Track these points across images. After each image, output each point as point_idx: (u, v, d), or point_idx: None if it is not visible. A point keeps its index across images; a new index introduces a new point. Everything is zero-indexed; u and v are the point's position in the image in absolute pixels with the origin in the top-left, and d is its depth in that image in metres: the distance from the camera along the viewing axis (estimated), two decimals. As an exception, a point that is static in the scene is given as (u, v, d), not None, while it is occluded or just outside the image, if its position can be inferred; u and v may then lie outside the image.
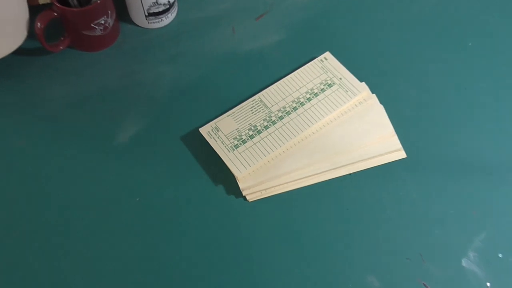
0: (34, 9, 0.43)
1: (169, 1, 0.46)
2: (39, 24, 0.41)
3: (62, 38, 0.44)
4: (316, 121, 0.40)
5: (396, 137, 0.40)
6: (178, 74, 0.45)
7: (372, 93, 0.42)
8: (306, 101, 0.41)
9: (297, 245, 0.36)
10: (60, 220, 0.37)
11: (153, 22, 0.47)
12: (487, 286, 0.34)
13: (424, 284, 0.34)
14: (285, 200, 0.38)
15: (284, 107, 0.41)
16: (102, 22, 0.43)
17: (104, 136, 0.41)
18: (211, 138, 0.40)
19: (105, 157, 0.40)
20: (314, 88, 0.42)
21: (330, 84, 0.42)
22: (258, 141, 0.39)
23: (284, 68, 0.44)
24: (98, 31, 0.43)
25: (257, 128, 0.40)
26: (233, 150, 0.39)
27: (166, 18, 0.47)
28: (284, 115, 0.41)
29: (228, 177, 0.39)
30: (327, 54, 0.45)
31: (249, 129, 0.40)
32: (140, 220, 0.37)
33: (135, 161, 0.40)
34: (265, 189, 0.38)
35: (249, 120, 0.40)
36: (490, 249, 0.36)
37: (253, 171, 0.38)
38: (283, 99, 0.42)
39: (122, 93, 0.43)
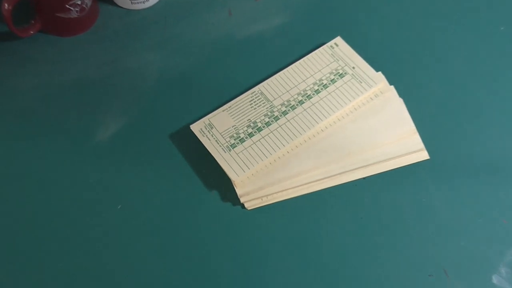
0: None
1: (156, -22, 0.46)
2: (6, 5, 0.40)
3: (32, 21, 0.44)
4: (326, 117, 0.40)
5: (417, 135, 0.40)
6: (166, 62, 0.44)
7: (390, 84, 0.42)
8: (313, 94, 0.41)
9: (304, 259, 0.36)
10: (28, 230, 0.37)
11: (137, 3, 0.46)
12: (523, 308, 0.35)
13: (450, 306, 0.34)
14: (289, 208, 0.38)
15: (288, 101, 0.41)
16: (79, 2, 0.42)
17: (81, 134, 0.41)
18: (204, 136, 0.39)
19: (82, 158, 0.39)
20: (323, 78, 0.42)
21: (341, 74, 0.42)
22: (258, 140, 0.39)
23: (288, 56, 0.44)
24: (73, 13, 0.43)
25: (257, 125, 0.40)
26: (230, 150, 0.38)
27: (152, -2, 0.47)
28: (289, 110, 0.40)
29: (223, 182, 0.38)
30: (338, 40, 0.44)
31: (247, 126, 0.39)
32: (122, 231, 0.37)
33: (117, 162, 0.39)
34: (266, 196, 0.38)
35: (247, 116, 0.40)
36: (526, 265, 0.36)
37: (252, 174, 0.38)
38: (287, 91, 0.41)
39: (101, 84, 0.43)
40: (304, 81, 0.42)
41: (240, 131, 0.39)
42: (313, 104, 0.40)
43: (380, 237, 0.36)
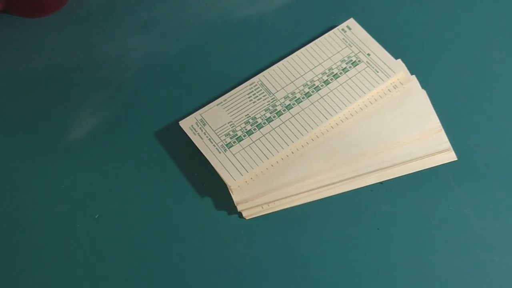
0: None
1: (139, -49, 0.46)
2: (-37, -20, 0.40)
3: (-5, 0, 0.44)
4: (336, 112, 0.39)
5: (443, 132, 0.39)
6: (151, 48, 0.44)
7: (412, 74, 0.42)
8: (322, 85, 0.41)
9: (310, 278, 0.35)
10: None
11: (118, -21, 0.46)
12: None
13: (481, 332, 0.34)
14: (294, 218, 0.37)
15: (293, 93, 0.40)
16: (49, -23, 0.43)
17: (52, 131, 0.40)
18: (195, 134, 0.39)
19: (53, 159, 0.39)
20: (334, 67, 0.41)
21: (354, 62, 0.41)
22: (258, 139, 0.39)
23: (293, 41, 0.44)
24: (43, -10, 0.43)
25: (257, 121, 0.39)
26: (225, 150, 0.38)
27: (135, -26, 0.47)
28: (293, 104, 0.40)
29: (218, 187, 0.38)
30: (351, 22, 0.44)
31: (246, 123, 0.39)
32: (100, 244, 0.36)
33: (94, 165, 0.39)
34: (268, 203, 0.37)
35: (246, 111, 0.40)
36: None
37: (251, 178, 0.38)
38: (292, 82, 0.41)
39: (75, 73, 0.43)
40: (311, 70, 0.41)
41: (237, 129, 0.39)
42: (321, 97, 0.40)
43: (399, 252, 0.36)
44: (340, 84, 0.40)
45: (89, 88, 0.42)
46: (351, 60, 0.41)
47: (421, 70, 0.42)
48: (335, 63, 0.41)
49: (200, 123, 0.39)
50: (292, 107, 0.40)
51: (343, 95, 0.40)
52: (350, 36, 0.43)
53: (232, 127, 0.39)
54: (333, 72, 0.41)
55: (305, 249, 0.36)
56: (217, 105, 0.40)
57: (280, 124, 0.39)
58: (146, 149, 0.40)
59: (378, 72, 0.41)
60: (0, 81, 0.42)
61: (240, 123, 0.39)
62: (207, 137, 0.39)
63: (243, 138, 0.38)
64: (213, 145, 0.38)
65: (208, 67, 0.43)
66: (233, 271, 0.36)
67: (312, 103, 0.40)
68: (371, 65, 0.41)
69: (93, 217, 0.37)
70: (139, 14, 0.45)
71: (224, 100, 0.40)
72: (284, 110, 0.40)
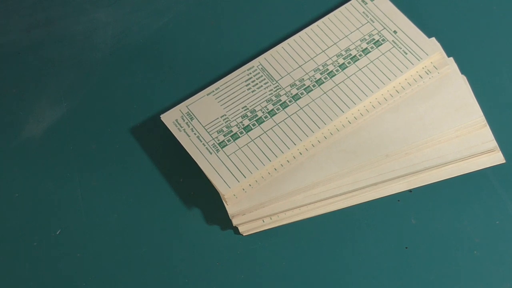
0: None
1: None
2: None
3: None
4: (355, 103, 0.39)
5: (488, 128, 0.39)
6: (125, 24, 0.44)
7: (448, 56, 0.41)
8: (337, 70, 0.40)
9: None
10: None
11: None
12: None
13: None
14: (302, 234, 0.37)
15: (301, 80, 0.40)
16: None
17: (2, 127, 0.40)
18: (180, 130, 0.39)
19: (4, 162, 0.39)
20: (352, 48, 0.41)
21: (377, 41, 0.41)
22: (259, 136, 0.39)
23: (300, 15, 0.44)
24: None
25: (257, 115, 0.39)
26: (218, 150, 0.38)
27: None
28: (301, 93, 0.40)
29: (208, 196, 0.38)
30: None
31: (243, 117, 0.39)
32: (62, 267, 0.36)
33: (54, 168, 0.39)
34: (270, 216, 0.37)
35: (243, 102, 0.40)
36: None
37: (249, 185, 0.38)
38: (300, 66, 0.41)
39: (31, 56, 0.43)
40: (323, 51, 0.41)
41: (232, 124, 0.39)
42: (336, 85, 0.40)
43: (433, 277, 0.36)
44: (360, 69, 0.40)
45: (48, 74, 0.42)
46: (373, 39, 0.41)
47: (461, 51, 0.42)
48: (353, 43, 0.41)
49: (187, 117, 0.39)
50: (300, 98, 0.40)
51: (363, 82, 0.40)
52: (372, 9, 0.42)
53: (226, 122, 0.39)
54: (350, 54, 0.41)
55: (316, 273, 0.36)
56: (208, 94, 0.40)
57: (286, 119, 0.39)
58: (119, 149, 0.40)
59: (407, 53, 0.41)
60: None
61: (235, 117, 0.39)
62: (195, 134, 0.39)
63: (240, 135, 0.38)
64: (203, 144, 0.38)
65: (196, 47, 0.43)
66: (227, 301, 0.35)
67: (325, 93, 0.40)
68: (398, 45, 0.41)
69: (54, 233, 0.37)
70: (110, -18, 0.45)
71: (216, 89, 0.40)
72: (290, 101, 0.40)
